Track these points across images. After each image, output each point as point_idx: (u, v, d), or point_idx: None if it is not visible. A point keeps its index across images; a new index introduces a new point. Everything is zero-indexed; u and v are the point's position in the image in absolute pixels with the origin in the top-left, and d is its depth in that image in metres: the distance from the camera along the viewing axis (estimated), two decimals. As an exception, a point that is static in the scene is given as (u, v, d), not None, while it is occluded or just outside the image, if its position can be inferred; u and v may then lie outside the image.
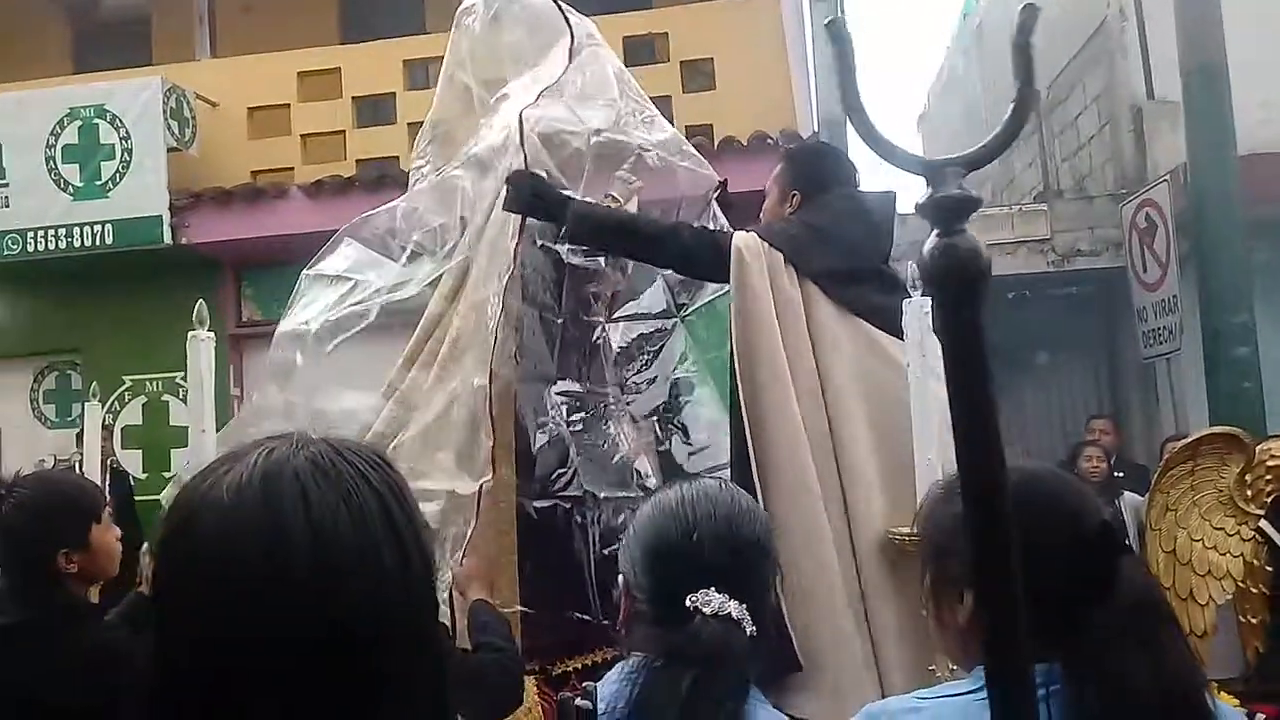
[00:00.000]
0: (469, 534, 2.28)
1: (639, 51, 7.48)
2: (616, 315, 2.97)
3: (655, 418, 3.00)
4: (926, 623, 2.18)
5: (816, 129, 6.77)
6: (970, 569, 1.16)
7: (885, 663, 2.29)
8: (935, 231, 0.71)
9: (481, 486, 2.31)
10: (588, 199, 2.68)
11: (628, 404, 2.84)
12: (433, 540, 0.89)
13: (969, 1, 13.39)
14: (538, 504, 2.50)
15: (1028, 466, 1.29)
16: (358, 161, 7.87)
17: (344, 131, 8.01)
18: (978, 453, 0.72)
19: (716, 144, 7.05)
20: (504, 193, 2.57)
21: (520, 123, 2.61)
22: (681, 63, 7.65)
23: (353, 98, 8.05)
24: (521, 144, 2.59)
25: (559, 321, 2.64)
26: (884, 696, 2.22)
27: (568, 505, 2.55)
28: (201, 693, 0.75)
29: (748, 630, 1.21)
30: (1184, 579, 2.52)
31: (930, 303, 2.43)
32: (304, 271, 2.82)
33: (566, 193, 2.62)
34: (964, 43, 13.33)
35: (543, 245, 2.68)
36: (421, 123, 8.15)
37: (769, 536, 1.35)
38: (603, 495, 2.53)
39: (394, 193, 7.10)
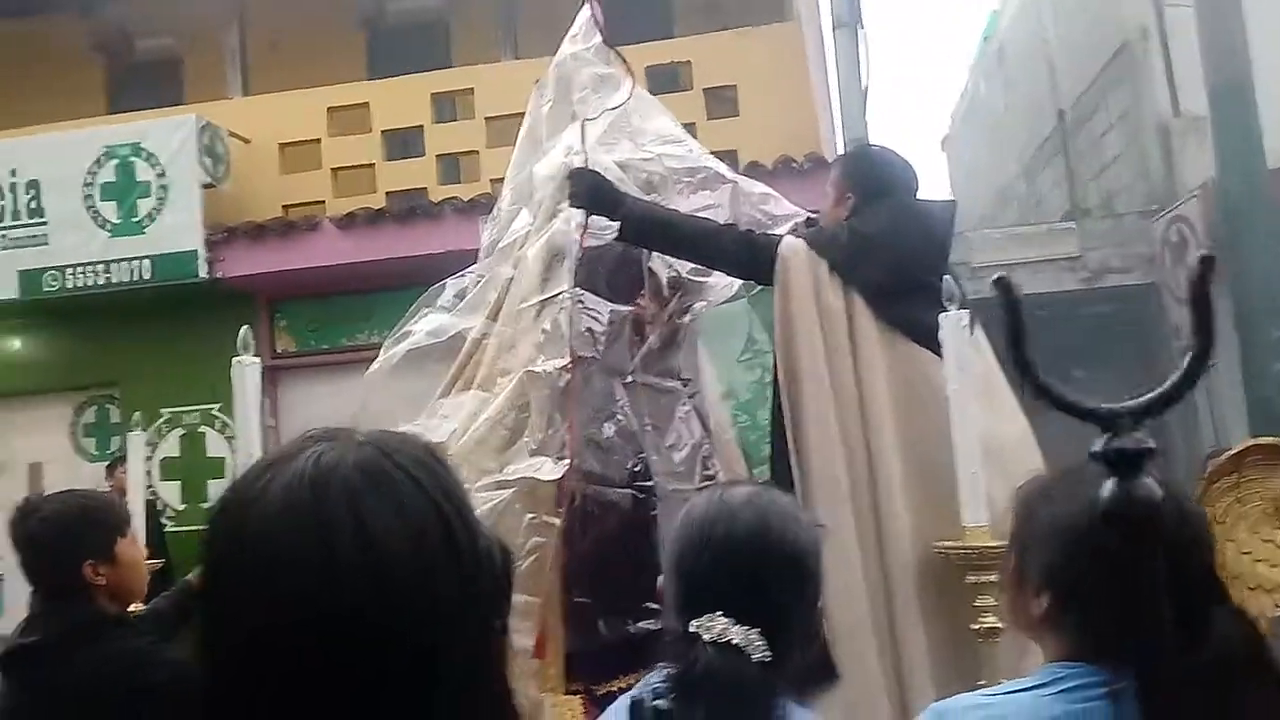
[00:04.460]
0: (559, 524, 2.27)
1: (662, 80, 7.55)
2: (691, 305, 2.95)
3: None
4: (964, 638, 2.21)
5: (841, 152, 6.79)
6: (1052, 574, 1.19)
7: (912, 690, 2.26)
8: (1114, 479, 0.77)
9: (566, 473, 2.30)
10: (644, 199, 2.70)
11: (690, 395, 2.83)
12: (490, 540, 0.81)
13: (990, 24, 13.42)
14: (615, 491, 2.49)
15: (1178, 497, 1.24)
16: (387, 194, 7.97)
17: (373, 165, 8.12)
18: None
19: (741, 170, 7.09)
20: (562, 189, 2.61)
21: (582, 127, 2.65)
22: (705, 90, 7.71)
23: (381, 131, 8.16)
24: (583, 145, 2.62)
25: (629, 312, 2.64)
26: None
27: (641, 495, 2.52)
28: (251, 701, 0.72)
29: (755, 657, 1.18)
30: (1235, 594, 2.49)
31: (968, 316, 2.45)
32: (386, 343, 2.89)
33: (624, 191, 2.64)
34: (986, 65, 13.35)
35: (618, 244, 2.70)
36: (448, 154, 8.33)
37: (806, 553, 1.30)
38: (670, 489, 2.52)
39: (423, 224, 7.33)
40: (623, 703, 1.26)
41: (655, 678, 1.23)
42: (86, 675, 2.08)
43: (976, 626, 2.20)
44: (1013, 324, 0.86)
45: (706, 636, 1.19)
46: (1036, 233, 7.73)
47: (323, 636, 0.70)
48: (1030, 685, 1.22)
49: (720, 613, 1.20)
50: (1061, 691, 1.18)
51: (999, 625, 2.20)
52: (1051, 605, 1.23)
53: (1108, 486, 0.76)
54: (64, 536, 2.19)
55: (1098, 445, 0.79)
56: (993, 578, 2.22)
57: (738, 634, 1.19)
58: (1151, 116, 8.30)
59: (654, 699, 1.11)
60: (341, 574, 0.71)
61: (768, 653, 1.19)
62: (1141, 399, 0.79)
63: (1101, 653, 1.16)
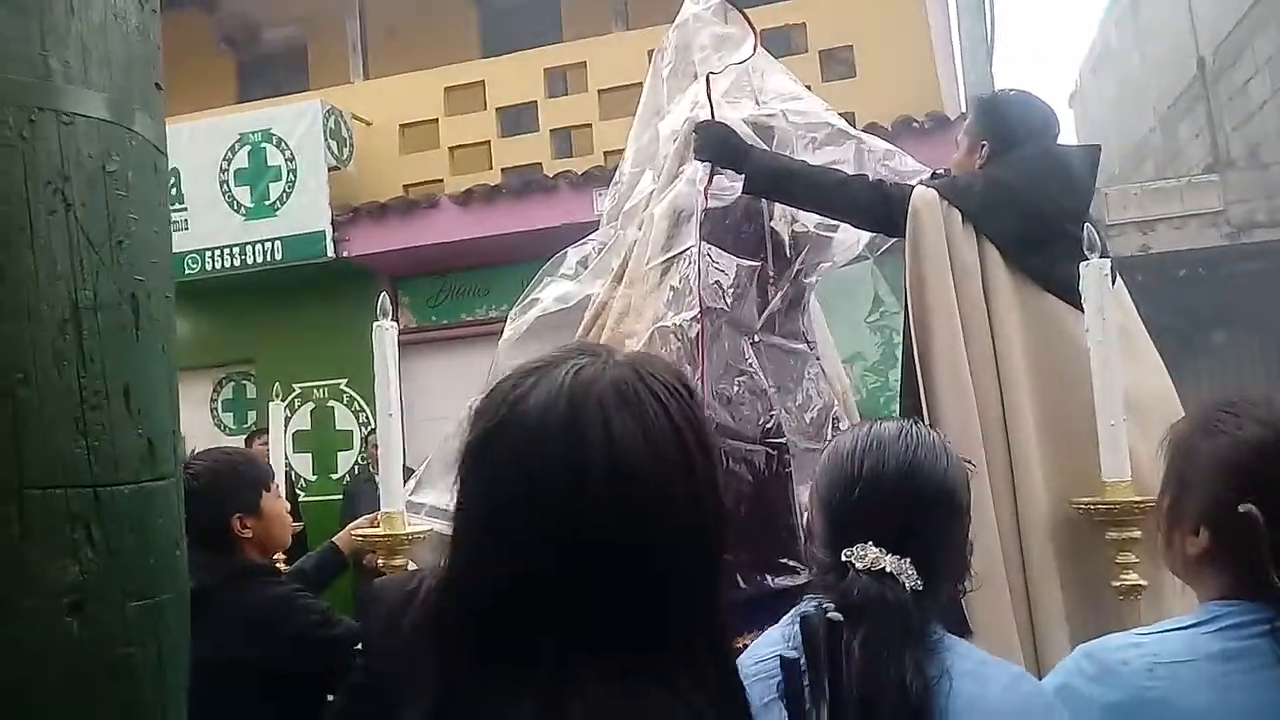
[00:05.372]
0: None
1: (776, 44, 7.42)
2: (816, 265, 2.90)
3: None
4: (1097, 597, 2.13)
5: (964, 110, 6.57)
6: (1213, 510, 1.16)
7: (1047, 645, 2.20)
8: None
9: None
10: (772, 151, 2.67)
11: (817, 357, 2.81)
12: (722, 476, 0.87)
13: (1121, -29, 12.74)
14: (747, 447, 2.49)
15: None
16: (503, 170, 8.10)
17: (489, 142, 8.26)
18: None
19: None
20: (688, 144, 2.60)
21: (708, 81, 2.63)
22: (820, 52, 7.56)
23: (496, 109, 8.30)
24: (708, 99, 2.60)
25: (754, 266, 2.62)
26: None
27: (773, 452, 2.51)
28: (492, 598, 0.78)
29: (908, 584, 1.18)
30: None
31: (1109, 264, 2.35)
32: (512, 312, 2.92)
33: (752, 143, 2.62)
34: (1117, 14, 12.69)
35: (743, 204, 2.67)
36: (561, 129, 8.39)
37: (955, 487, 1.28)
38: (802, 447, 2.51)
39: (538, 198, 7.42)
40: (772, 634, 1.25)
41: (806, 608, 1.23)
42: (236, 621, 2.16)
43: (1117, 584, 2.12)
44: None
45: (859, 565, 1.19)
46: (1176, 187, 7.31)
47: (564, 535, 0.76)
48: (1187, 624, 1.19)
49: (871, 542, 1.20)
50: (1220, 629, 1.15)
51: (1141, 583, 2.12)
52: (1211, 543, 1.20)
53: None
54: (213, 491, 2.27)
55: None
56: (1135, 534, 2.15)
57: (890, 562, 1.18)
58: (1302, 60, 7.76)
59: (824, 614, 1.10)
60: (589, 481, 0.77)
61: (919, 581, 1.18)
62: None
63: (1262, 590, 1.12)
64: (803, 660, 0.95)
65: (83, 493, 0.89)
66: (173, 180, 8.04)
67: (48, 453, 0.88)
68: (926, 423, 2.26)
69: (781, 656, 0.99)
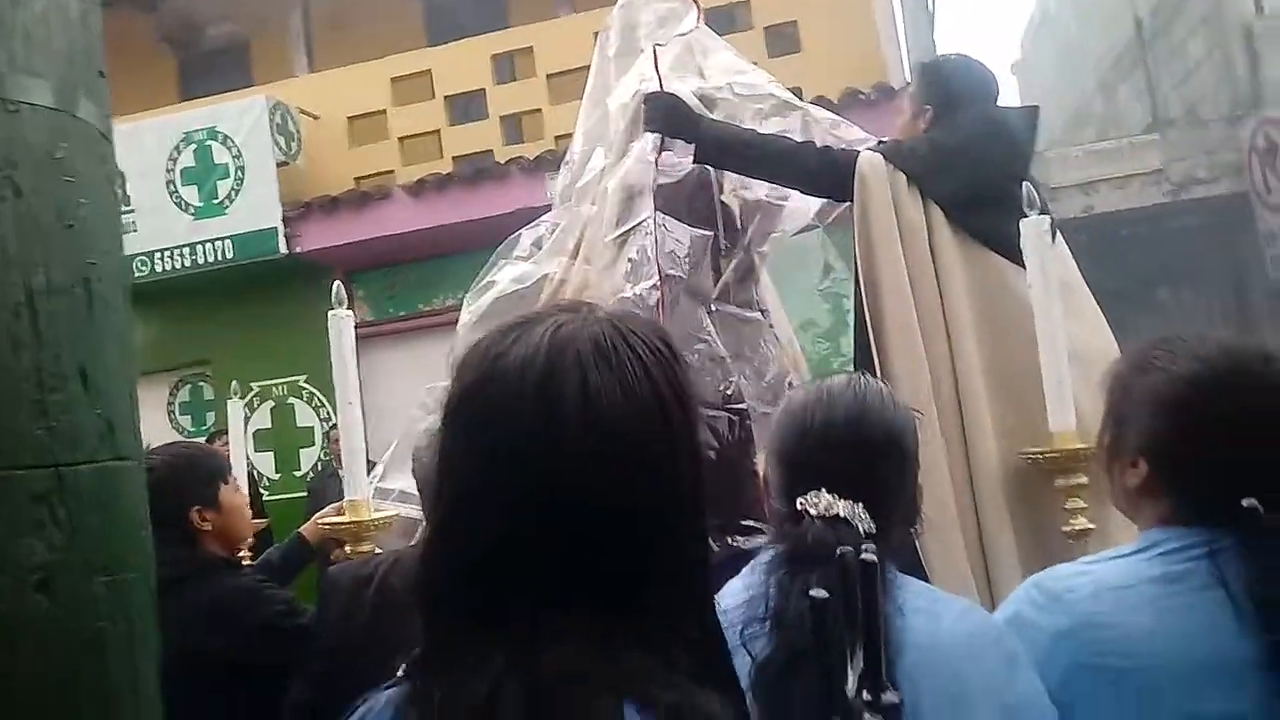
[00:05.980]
0: None
1: (720, 22, 7.41)
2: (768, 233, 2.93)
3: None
4: (1048, 542, 2.20)
5: (909, 80, 6.65)
6: (1150, 442, 1.22)
7: (1000, 586, 2.26)
8: None
9: None
10: (721, 119, 2.69)
11: (770, 325, 2.86)
12: (703, 434, 0.87)
13: (1058, -62, 12.91)
14: (709, 412, 2.51)
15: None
16: (454, 158, 8.06)
17: (438, 131, 8.21)
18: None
19: (806, 106, 6.99)
20: (637, 118, 2.63)
21: (654, 53, 2.66)
22: (765, 28, 7.60)
23: (445, 97, 8.24)
24: (656, 70, 2.63)
25: (709, 236, 2.65)
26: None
27: (735, 417, 2.55)
28: (471, 557, 0.79)
29: (862, 528, 1.20)
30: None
31: (1048, 221, 2.41)
32: (468, 296, 2.92)
33: (700, 113, 2.65)
34: (1055, -18, 12.88)
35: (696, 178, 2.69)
36: (511, 115, 8.32)
37: (903, 433, 1.33)
38: (760, 412, 2.55)
39: (491, 185, 7.40)
40: (734, 585, 1.26)
41: (764, 558, 1.26)
42: (199, 613, 2.15)
43: (1067, 529, 2.20)
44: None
45: (814, 511, 1.22)
46: (1117, 148, 7.47)
47: (543, 493, 0.77)
48: (1129, 551, 1.25)
49: (824, 489, 1.23)
50: (1161, 554, 1.20)
51: (1090, 526, 2.19)
52: (1150, 474, 1.26)
53: None
54: (170, 484, 2.22)
55: None
56: (1082, 480, 2.22)
57: (844, 507, 1.22)
58: (1234, 19, 7.94)
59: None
60: (566, 437, 0.77)
61: (873, 525, 1.22)
62: None
63: (1199, 516, 1.18)
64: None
65: (45, 472, 0.90)
66: (118, 182, 7.91)
67: (9, 434, 0.90)
68: (879, 376, 2.34)
69: (812, 598, 1.01)
